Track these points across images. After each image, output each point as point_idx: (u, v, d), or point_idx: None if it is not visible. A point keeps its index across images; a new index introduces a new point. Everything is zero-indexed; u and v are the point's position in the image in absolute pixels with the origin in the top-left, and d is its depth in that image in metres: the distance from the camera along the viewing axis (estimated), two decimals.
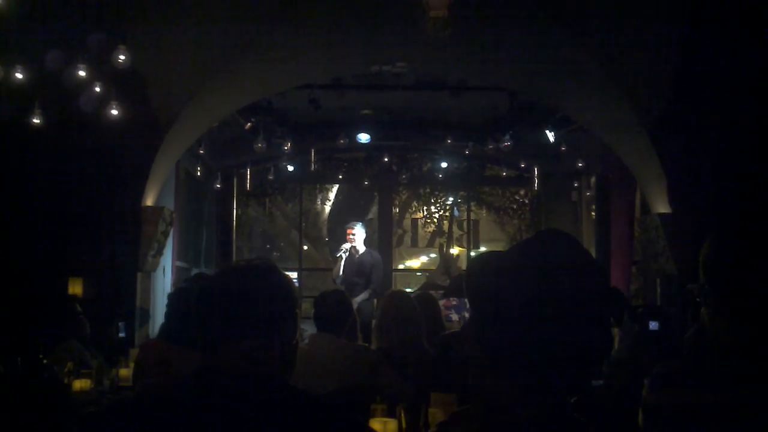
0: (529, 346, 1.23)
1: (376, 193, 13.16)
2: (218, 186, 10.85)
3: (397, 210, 15.75)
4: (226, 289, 1.75)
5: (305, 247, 15.21)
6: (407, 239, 18.82)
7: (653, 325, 4.08)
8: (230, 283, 1.77)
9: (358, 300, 8.33)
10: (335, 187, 16.36)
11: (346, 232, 8.95)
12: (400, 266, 16.69)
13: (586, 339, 1.24)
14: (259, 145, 9.05)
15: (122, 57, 5.26)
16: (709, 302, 1.71)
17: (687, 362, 1.71)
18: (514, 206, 13.28)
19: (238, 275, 1.80)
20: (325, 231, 17.41)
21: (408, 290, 8.77)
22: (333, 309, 3.96)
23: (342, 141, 9.74)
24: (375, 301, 8.38)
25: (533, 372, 1.24)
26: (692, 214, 6.43)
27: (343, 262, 8.75)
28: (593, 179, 10.42)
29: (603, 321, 1.31)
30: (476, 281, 1.30)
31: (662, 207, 6.92)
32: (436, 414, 3.14)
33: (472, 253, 13.19)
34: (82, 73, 5.25)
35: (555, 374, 1.25)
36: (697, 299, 1.76)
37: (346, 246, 8.76)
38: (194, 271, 9.13)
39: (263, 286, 1.74)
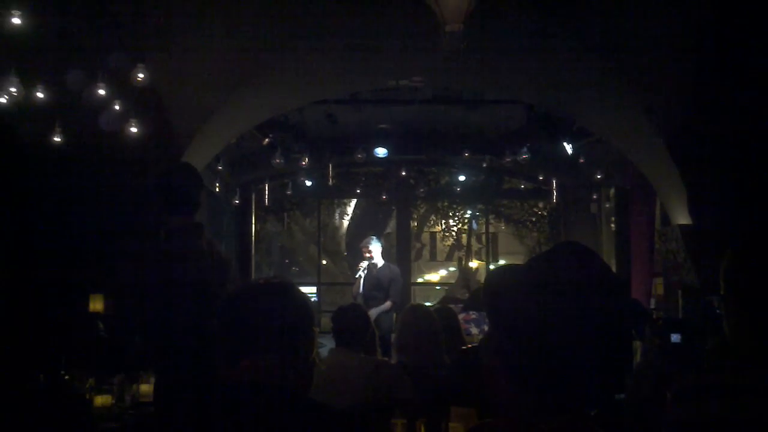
0: (548, 360, 1.22)
1: (393, 207, 13.17)
2: (237, 201, 10.92)
3: (416, 224, 15.73)
4: (246, 307, 1.78)
5: (324, 262, 15.22)
6: (426, 253, 18.75)
7: (675, 338, 4.05)
8: (249, 301, 1.80)
9: (374, 311, 8.29)
10: (353, 202, 16.38)
11: (361, 250, 8.95)
12: (419, 280, 16.63)
13: (606, 352, 1.24)
14: (277, 160, 9.10)
15: (141, 75, 5.32)
16: (730, 313, 1.69)
17: (709, 374, 1.69)
18: (533, 219, 13.24)
19: (257, 293, 1.83)
20: (343, 245, 17.41)
21: (427, 304, 8.74)
22: (351, 324, 3.96)
23: (359, 155, 9.76)
24: (394, 315, 8.36)
25: (553, 385, 1.23)
26: (713, 225, 6.37)
27: (362, 279, 8.74)
28: (612, 191, 10.37)
29: (623, 334, 1.30)
30: (494, 295, 1.30)
31: (683, 218, 6.86)
32: (456, 428, 3.13)
33: (492, 267, 13.13)
34: (102, 92, 5.31)
35: (576, 388, 1.24)
36: (718, 311, 1.74)
37: (364, 264, 8.76)
38: None
39: (281, 304, 1.77)
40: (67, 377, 4.08)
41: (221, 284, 3.45)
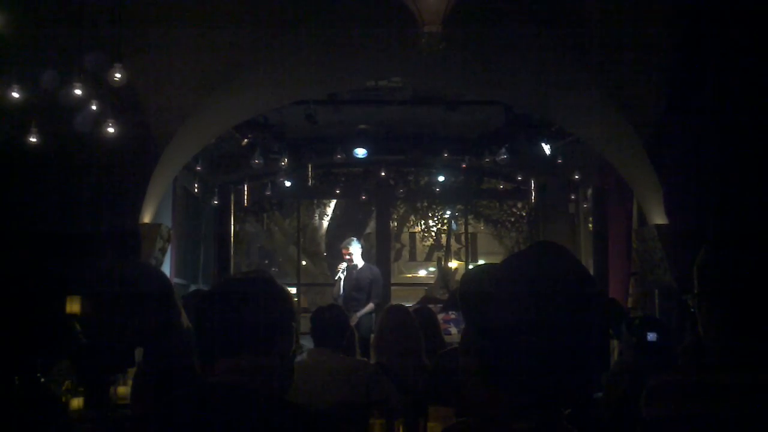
0: (524, 359, 1.23)
1: (373, 208, 13.17)
2: (216, 202, 10.86)
3: (395, 224, 15.75)
4: (223, 303, 1.74)
5: (303, 263, 15.18)
6: (405, 253, 18.78)
7: (651, 337, 4.07)
8: (227, 297, 1.76)
9: (358, 314, 8.32)
10: (333, 202, 16.36)
11: (341, 251, 8.94)
12: (399, 280, 16.66)
13: (581, 351, 1.25)
14: (256, 161, 9.07)
15: (118, 75, 5.27)
16: (704, 312, 1.71)
17: (682, 373, 1.72)
18: (512, 219, 13.30)
19: (235, 288, 1.80)
20: (323, 246, 17.37)
21: (407, 305, 8.75)
22: (329, 323, 3.97)
23: (339, 156, 9.76)
24: (373, 315, 8.37)
25: (529, 384, 1.24)
26: (689, 225, 6.43)
27: (342, 281, 8.73)
28: (590, 191, 10.43)
29: (598, 333, 1.31)
30: (470, 295, 1.31)
31: (659, 218, 6.92)
32: (434, 428, 3.14)
33: (471, 267, 13.15)
34: (78, 92, 5.26)
35: (551, 387, 1.25)
36: (692, 309, 1.76)
37: (343, 266, 8.74)
38: (192, 288, 9.12)
39: (260, 298, 1.73)
40: (43, 380, 4.03)
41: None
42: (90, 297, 3.92)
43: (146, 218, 6.93)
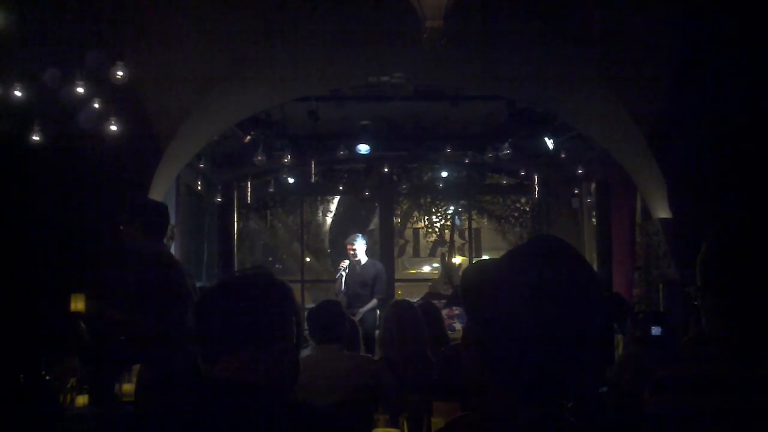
0: (525, 353, 1.23)
1: (376, 204, 13.16)
2: (219, 199, 10.87)
3: (399, 220, 15.74)
4: (224, 301, 1.75)
5: (307, 259, 15.20)
6: (409, 249, 18.78)
7: (656, 331, 4.08)
8: (227, 294, 1.77)
9: (362, 310, 8.33)
10: (336, 199, 16.36)
11: (346, 247, 8.94)
12: (403, 276, 16.66)
13: (581, 344, 1.24)
14: (259, 158, 9.07)
15: (120, 73, 5.28)
16: (707, 305, 1.71)
17: (686, 366, 1.71)
18: (515, 214, 13.29)
19: (235, 286, 1.80)
20: (326, 242, 17.38)
21: (412, 300, 8.74)
22: (325, 318, 3.97)
23: (342, 152, 9.76)
24: (377, 311, 8.38)
25: (530, 378, 1.24)
26: (693, 219, 6.42)
27: (344, 278, 8.74)
28: (593, 185, 10.42)
29: (598, 325, 1.30)
30: (471, 289, 1.31)
31: (663, 212, 6.91)
32: (439, 423, 3.13)
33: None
34: (80, 90, 5.27)
35: (553, 380, 1.25)
36: (696, 303, 1.76)
37: (345, 264, 8.75)
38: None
39: (260, 294, 1.74)
40: (47, 378, 4.05)
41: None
42: (108, 292, 3.99)
43: None
